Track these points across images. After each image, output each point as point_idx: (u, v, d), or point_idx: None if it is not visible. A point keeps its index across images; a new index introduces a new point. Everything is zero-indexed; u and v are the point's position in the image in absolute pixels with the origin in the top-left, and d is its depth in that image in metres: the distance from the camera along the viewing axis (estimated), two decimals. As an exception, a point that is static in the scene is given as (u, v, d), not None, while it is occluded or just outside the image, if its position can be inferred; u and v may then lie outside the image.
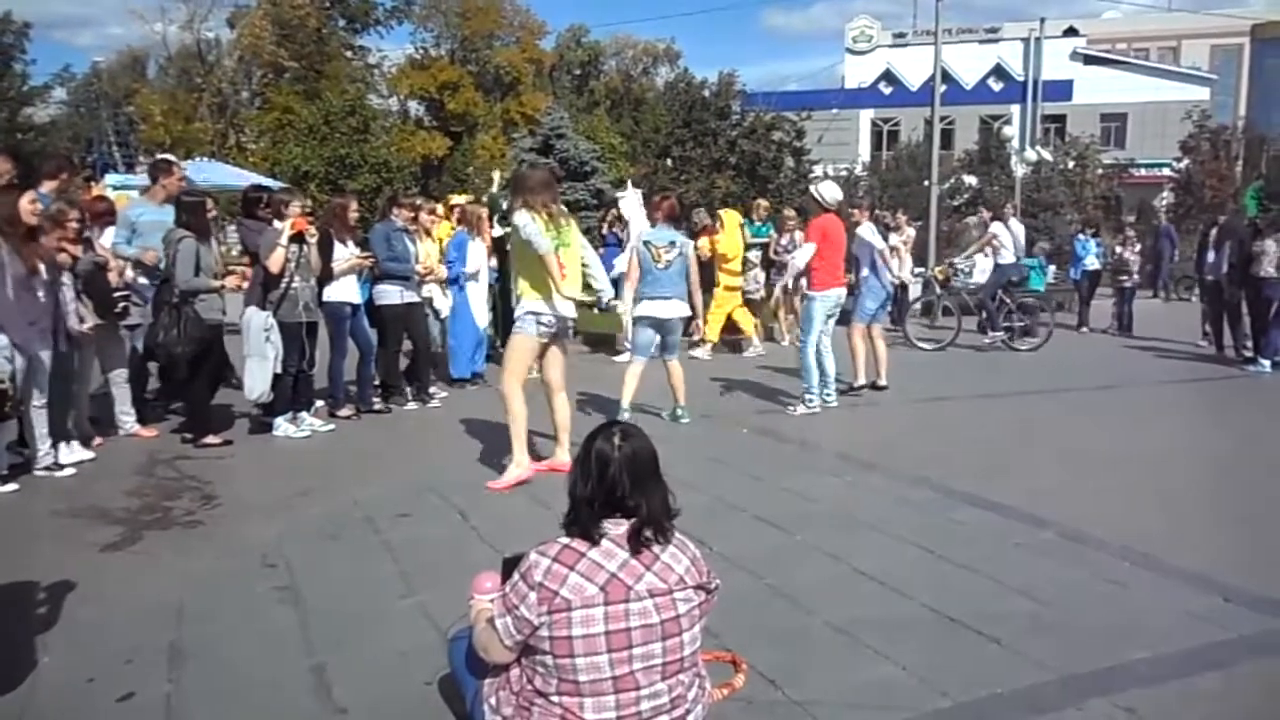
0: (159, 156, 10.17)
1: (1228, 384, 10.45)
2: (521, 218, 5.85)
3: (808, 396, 8.27)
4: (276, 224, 7.15)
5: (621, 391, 7.72)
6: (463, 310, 9.31)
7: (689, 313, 7.87)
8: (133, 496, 5.78)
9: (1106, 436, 7.63)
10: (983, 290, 13.09)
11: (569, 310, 6.05)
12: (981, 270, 13.45)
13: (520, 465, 6.00)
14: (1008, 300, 12.84)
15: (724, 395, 9.27)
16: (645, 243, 7.77)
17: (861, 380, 9.18)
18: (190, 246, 6.78)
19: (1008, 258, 13.03)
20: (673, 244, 7.73)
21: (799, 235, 11.20)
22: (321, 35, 41.37)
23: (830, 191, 8.56)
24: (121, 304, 6.92)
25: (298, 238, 7.06)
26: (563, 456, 6.10)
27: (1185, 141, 29.41)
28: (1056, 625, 3.92)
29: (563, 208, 6.23)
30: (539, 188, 5.96)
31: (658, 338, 7.75)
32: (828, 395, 8.42)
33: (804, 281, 8.43)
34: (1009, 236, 13.09)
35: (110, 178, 17.22)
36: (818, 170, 24.50)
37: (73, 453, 6.41)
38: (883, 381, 9.35)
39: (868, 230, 9.61)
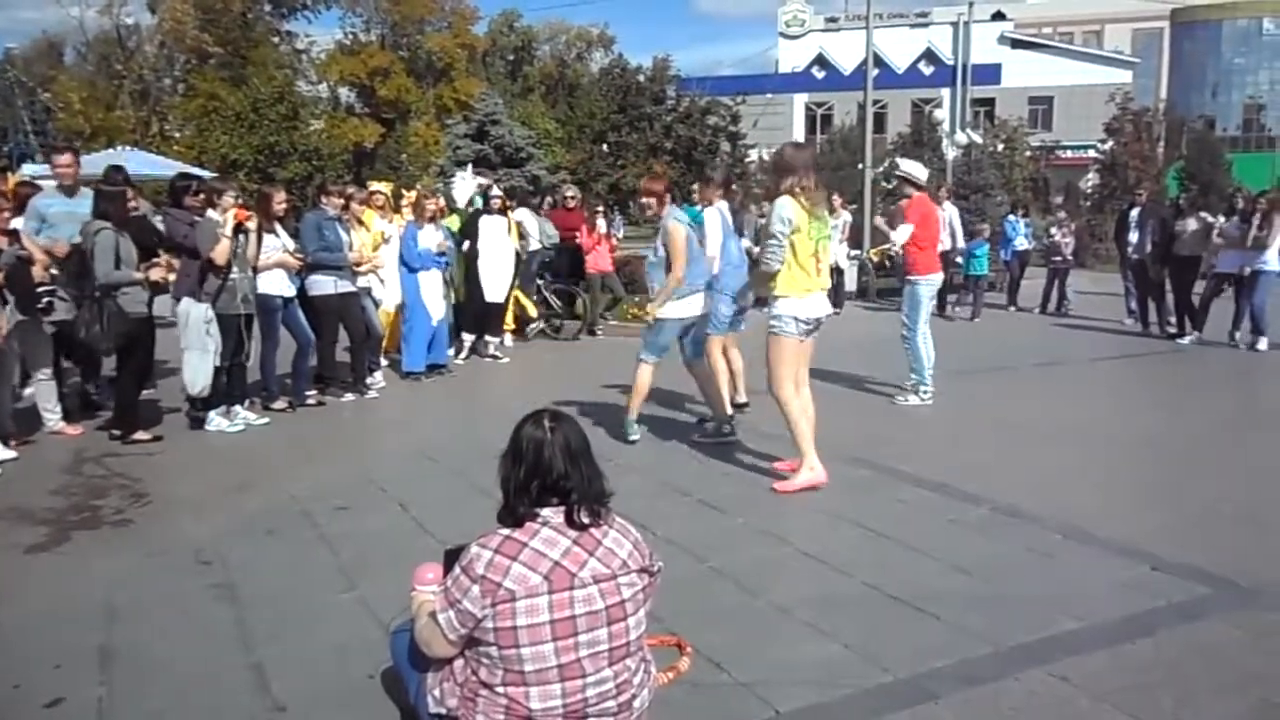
0: (54, 144, 9.87)
1: (1155, 359, 10.73)
2: (784, 208, 5.39)
3: (922, 388, 8.07)
4: (211, 214, 6.94)
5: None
6: (414, 302, 9.07)
7: None
8: (59, 496, 5.60)
9: (1039, 413, 7.79)
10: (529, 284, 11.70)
11: (826, 308, 5.69)
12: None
13: (813, 469, 5.58)
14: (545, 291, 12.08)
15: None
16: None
17: (742, 398, 7.51)
18: (109, 238, 6.51)
19: (534, 246, 11.61)
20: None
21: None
22: (247, 20, 40.36)
23: (920, 170, 8.40)
24: (45, 299, 6.67)
25: (239, 228, 6.89)
26: (805, 475, 5.58)
27: (1109, 124, 30.04)
28: (992, 599, 4.01)
29: (823, 190, 5.76)
30: (804, 170, 5.49)
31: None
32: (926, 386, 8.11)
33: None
34: (535, 224, 11.66)
35: (27, 168, 16.63)
36: (753, 154, 24.62)
37: (-6, 452, 6.19)
38: (742, 398, 7.50)
39: (717, 213, 7.09)
